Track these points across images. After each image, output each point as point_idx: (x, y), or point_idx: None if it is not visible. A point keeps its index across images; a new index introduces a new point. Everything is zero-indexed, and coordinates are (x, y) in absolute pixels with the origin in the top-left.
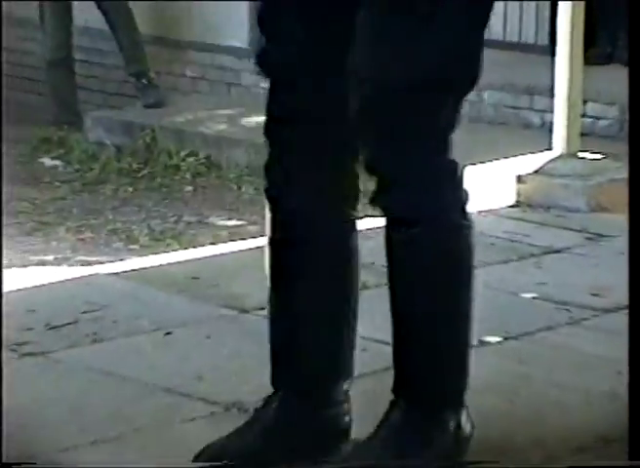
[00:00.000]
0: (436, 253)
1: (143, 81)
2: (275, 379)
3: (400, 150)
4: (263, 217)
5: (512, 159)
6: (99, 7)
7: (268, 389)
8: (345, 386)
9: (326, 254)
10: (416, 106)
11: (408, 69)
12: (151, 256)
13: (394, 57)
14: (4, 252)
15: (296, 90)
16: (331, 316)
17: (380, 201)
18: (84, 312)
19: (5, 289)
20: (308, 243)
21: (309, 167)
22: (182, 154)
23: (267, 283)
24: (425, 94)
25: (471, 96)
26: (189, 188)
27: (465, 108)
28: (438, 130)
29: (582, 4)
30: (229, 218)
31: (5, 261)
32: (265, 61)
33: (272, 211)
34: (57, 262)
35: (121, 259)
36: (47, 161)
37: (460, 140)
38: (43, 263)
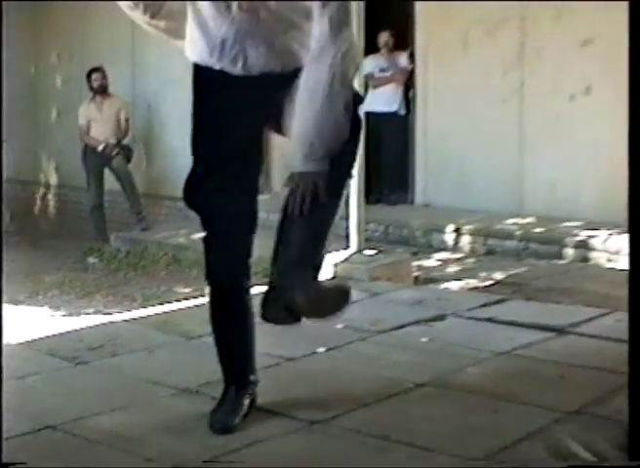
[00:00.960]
0: None
1: (139, 216)
2: (226, 379)
3: None
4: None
5: (331, 253)
6: (117, 178)
7: (204, 378)
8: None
9: (245, 301)
10: None
11: None
12: (144, 309)
13: None
14: (61, 311)
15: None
16: (250, 338)
17: None
18: (108, 340)
19: (66, 329)
20: (236, 296)
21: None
22: (160, 254)
23: (206, 323)
24: None
25: None
26: (163, 273)
27: None
28: None
29: (363, 174)
30: (185, 288)
31: (67, 313)
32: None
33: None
34: (94, 313)
35: (128, 311)
36: (91, 259)
37: None
38: (87, 314)
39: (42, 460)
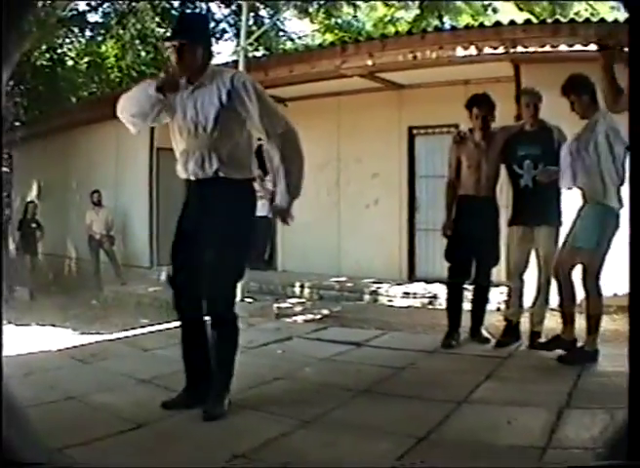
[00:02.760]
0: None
1: (120, 277)
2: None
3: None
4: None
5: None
6: (107, 255)
7: (154, 373)
8: None
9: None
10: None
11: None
12: (122, 333)
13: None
14: (77, 331)
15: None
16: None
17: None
18: (101, 350)
19: (80, 343)
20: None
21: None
22: (132, 300)
23: (156, 341)
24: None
25: None
26: (134, 310)
27: None
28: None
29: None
30: (146, 319)
31: (79, 333)
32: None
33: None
34: (95, 334)
35: (114, 332)
36: (93, 301)
37: None
38: (91, 333)
39: (64, 421)
